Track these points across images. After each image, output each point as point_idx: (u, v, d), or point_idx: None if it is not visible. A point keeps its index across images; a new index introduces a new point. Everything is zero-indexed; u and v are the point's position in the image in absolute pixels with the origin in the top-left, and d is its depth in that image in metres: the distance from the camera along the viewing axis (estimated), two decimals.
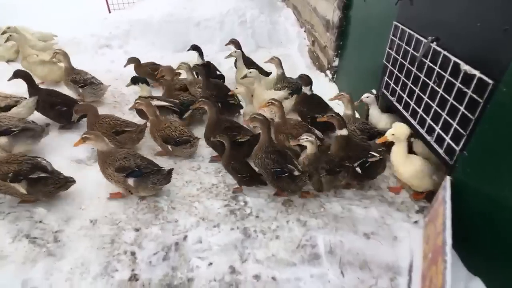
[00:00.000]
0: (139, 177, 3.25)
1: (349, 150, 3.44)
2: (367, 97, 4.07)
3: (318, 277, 2.69)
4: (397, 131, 3.18)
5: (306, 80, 4.30)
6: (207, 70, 5.12)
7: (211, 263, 2.78)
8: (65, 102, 4.43)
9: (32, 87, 4.40)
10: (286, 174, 3.26)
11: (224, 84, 5.12)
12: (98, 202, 3.38)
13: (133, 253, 2.85)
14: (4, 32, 5.76)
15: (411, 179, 3.25)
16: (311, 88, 4.35)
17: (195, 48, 5.53)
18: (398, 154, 3.25)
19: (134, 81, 4.64)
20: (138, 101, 3.95)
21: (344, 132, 3.43)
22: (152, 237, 3.00)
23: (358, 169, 3.41)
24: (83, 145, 3.39)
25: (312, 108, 4.27)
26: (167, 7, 7.53)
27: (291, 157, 3.40)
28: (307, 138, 3.23)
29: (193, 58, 5.55)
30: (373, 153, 3.44)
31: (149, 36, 7.29)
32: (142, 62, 5.67)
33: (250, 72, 4.63)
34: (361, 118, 4.18)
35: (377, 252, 2.88)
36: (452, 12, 2.74)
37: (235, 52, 5.30)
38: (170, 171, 3.38)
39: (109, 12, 8.12)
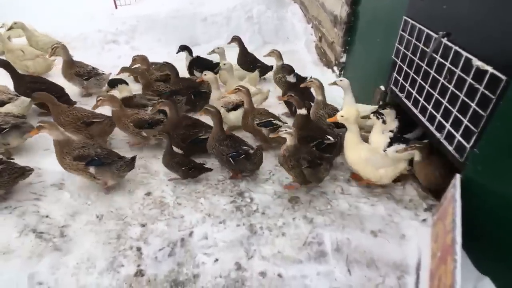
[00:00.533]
0: (100, 166, 3.24)
1: (309, 130, 3.66)
2: (341, 80, 3.99)
3: (325, 275, 2.66)
4: (346, 112, 3.29)
5: (288, 69, 4.58)
6: (199, 63, 5.49)
7: (217, 260, 2.77)
8: (50, 88, 4.45)
9: (14, 75, 4.46)
10: (242, 156, 3.44)
11: (192, 78, 5.27)
12: (104, 197, 3.38)
13: (139, 249, 2.85)
14: (10, 28, 5.79)
15: (353, 165, 3.40)
16: (294, 75, 4.61)
17: (184, 48, 5.56)
18: (348, 138, 3.38)
19: (111, 84, 4.52)
20: (100, 98, 3.81)
21: (303, 111, 3.67)
22: (158, 232, 2.99)
23: (314, 149, 3.56)
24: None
25: (297, 95, 4.26)
26: (173, 3, 7.54)
27: (242, 139, 3.65)
28: (286, 130, 3.15)
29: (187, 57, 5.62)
30: (329, 136, 3.65)
31: (155, 32, 7.30)
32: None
33: (224, 64, 4.66)
34: (332, 105, 4.15)
35: (385, 250, 2.85)
36: (463, 7, 2.68)
37: (218, 48, 5.31)
38: (133, 158, 3.43)
39: (116, 8, 8.13)
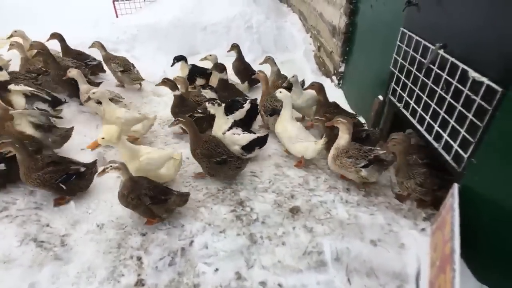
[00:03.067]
0: None
1: (182, 107, 4.39)
2: (293, 77, 4.61)
3: (325, 284, 2.67)
4: (106, 134, 3.21)
5: (220, 67, 4.91)
6: (199, 70, 5.68)
7: (217, 269, 2.78)
8: None
9: None
10: (74, 176, 3.26)
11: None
12: (104, 206, 3.39)
13: (139, 258, 2.86)
14: (10, 36, 5.83)
15: (137, 173, 3.28)
16: (226, 73, 4.95)
17: (180, 58, 5.57)
18: (123, 154, 3.37)
19: None
20: None
21: (177, 93, 4.34)
22: (158, 242, 3.00)
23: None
24: (88, 151, 3.64)
25: (231, 93, 4.93)
26: (174, 12, 7.61)
27: (68, 159, 3.40)
28: (111, 166, 2.87)
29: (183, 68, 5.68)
30: (199, 110, 4.26)
31: (156, 41, 7.36)
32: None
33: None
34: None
35: (384, 260, 2.86)
36: (460, 19, 2.73)
37: (210, 55, 5.37)
38: None
39: (117, 17, 8.20)
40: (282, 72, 5.40)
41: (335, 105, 4.34)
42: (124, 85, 5.72)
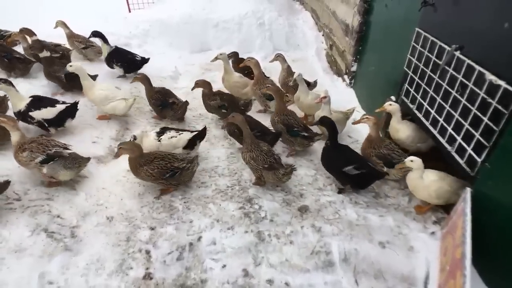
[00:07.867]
0: None
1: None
2: (298, 75, 4.62)
3: (332, 285, 2.66)
4: None
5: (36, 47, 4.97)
6: (119, 56, 5.65)
7: (224, 265, 2.78)
8: None
9: None
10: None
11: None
12: (114, 199, 3.42)
13: (147, 252, 2.88)
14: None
15: None
16: (45, 52, 4.94)
17: (96, 35, 5.61)
18: None
19: None
20: None
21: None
22: (167, 236, 3.02)
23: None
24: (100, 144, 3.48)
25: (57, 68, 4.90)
26: (186, 8, 7.62)
27: None
28: None
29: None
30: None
31: (167, 36, 7.39)
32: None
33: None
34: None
35: (392, 262, 2.84)
36: (477, 20, 2.68)
37: (221, 55, 5.28)
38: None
39: (129, 11, 8.24)
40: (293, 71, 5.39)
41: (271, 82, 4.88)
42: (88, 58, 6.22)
